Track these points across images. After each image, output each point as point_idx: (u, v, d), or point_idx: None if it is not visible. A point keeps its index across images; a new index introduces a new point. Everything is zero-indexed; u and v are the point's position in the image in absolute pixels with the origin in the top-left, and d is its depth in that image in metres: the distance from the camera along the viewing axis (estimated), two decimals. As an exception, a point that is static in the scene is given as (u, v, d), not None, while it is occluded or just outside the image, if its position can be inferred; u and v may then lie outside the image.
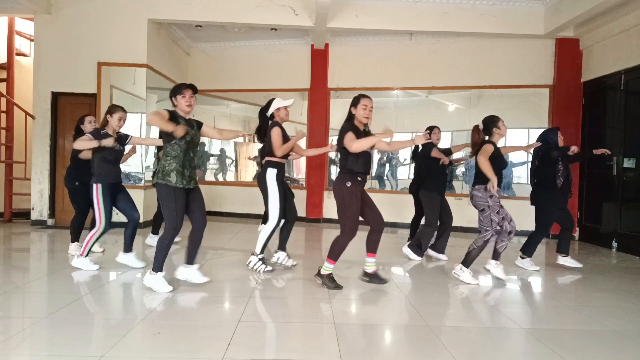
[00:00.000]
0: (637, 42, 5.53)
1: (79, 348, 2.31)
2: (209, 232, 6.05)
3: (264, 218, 6.25)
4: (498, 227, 3.79)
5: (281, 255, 4.26)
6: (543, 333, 2.74)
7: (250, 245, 5.29)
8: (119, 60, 6.37)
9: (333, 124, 7.77)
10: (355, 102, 3.50)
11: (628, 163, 5.63)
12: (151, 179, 3.44)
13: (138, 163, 6.46)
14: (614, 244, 5.81)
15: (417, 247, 4.76)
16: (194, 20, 6.56)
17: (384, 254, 5.11)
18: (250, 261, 4.05)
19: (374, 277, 3.72)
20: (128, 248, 4.07)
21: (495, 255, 3.99)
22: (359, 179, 3.48)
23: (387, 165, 7.90)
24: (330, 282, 3.57)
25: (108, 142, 3.75)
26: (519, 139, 6.78)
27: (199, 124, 3.51)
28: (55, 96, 6.44)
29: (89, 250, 4.01)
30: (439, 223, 4.82)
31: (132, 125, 6.44)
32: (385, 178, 7.86)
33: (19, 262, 4.46)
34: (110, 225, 3.96)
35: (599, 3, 5.27)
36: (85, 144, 3.76)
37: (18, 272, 4.04)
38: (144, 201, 6.39)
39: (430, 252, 4.88)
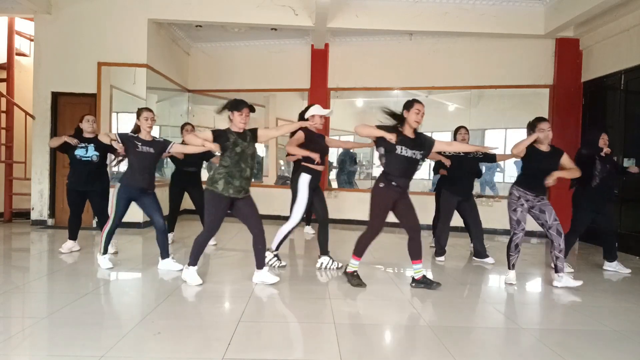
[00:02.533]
0: (637, 42, 5.53)
1: (79, 348, 2.31)
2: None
3: (307, 219, 6.32)
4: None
5: (324, 260, 4.24)
6: (543, 333, 2.74)
7: (250, 246, 5.29)
8: (119, 60, 6.37)
9: (333, 124, 7.77)
10: (408, 106, 3.49)
11: (628, 163, 5.62)
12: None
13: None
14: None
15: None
16: (194, 20, 6.56)
17: (387, 253, 5.11)
18: (265, 257, 4.06)
19: (421, 283, 3.63)
20: (164, 254, 4.05)
21: (556, 269, 3.87)
22: (393, 183, 3.45)
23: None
24: (354, 278, 3.62)
25: (116, 145, 3.86)
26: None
27: (254, 134, 3.56)
28: (55, 96, 6.43)
29: (106, 248, 4.04)
30: (468, 228, 4.81)
31: (132, 125, 6.45)
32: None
33: (19, 262, 4.46)
34: (118, 224, 4.00)
35: (599, 3, 5.26)
36: (104, 138, 3.92)
37: (18, 272, 4.04)
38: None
39: (477, 260, 4.80)
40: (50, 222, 6.47)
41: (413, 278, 3.67)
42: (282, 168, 8.37)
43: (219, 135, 3.40)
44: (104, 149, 4.52)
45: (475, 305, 3.34)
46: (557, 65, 6.79)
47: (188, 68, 8.25)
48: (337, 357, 2.29)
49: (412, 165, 3.48)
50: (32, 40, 7.04)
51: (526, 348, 2.54)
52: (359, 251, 3.65)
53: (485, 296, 3.60)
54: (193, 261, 3.56)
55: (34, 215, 6.47)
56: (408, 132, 3.49)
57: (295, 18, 6.46)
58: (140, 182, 3.91)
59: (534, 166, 3.75)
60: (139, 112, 3.95)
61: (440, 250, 4.76)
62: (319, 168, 4.06)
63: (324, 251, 4.24)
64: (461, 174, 4.69)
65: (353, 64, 7.67)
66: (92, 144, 4.52)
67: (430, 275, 3.88)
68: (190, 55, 8.27)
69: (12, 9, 6.37)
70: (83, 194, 4.56)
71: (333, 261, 4.24)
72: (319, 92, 7.66)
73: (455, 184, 4.70)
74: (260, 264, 3.66)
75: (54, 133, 6.45)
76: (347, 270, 3.70)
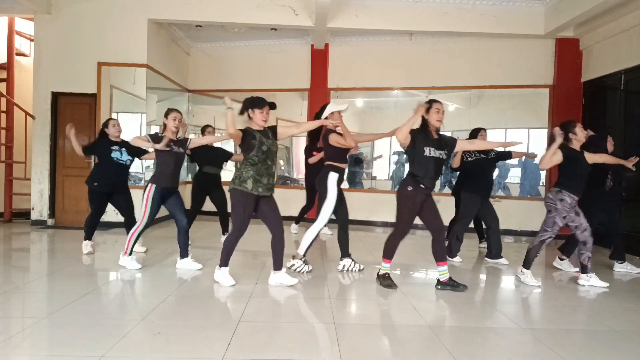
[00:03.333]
0: (637, 42, 5.53)
1: (79, 348, 2.31)
2: (209, 233, 6.08)
3: (298, 218, 6.34)
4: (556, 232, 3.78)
5: (346, 262, 4.18)
6: (543, 333, 2.74)
7: (250, 246, 5.30)
8: (119, 60, 6.37)
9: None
10: (427, 107, 3.46)
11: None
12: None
13: (138, 163, 6.45)
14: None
15: (449, 249, 4.72)
16: (194, 20, 6.56)
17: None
18: (293, 264, 4.05)
19: (447, 285, 3.60)
20: (184, 254, 4.08)
21: (583, 269, 3.90)
22: (421, 186, 3.44)
23: (401, 165, 7.76)
24: (385, 280, 3.61)
25: (161, 145, 3.81)
26: (519, 139, 6.73)
27: (274, 131, 3.56)
28: (55, 96, 6.44)
29: (132, 249, 4.04)
30: (485, 228, 4.80)
31: (132, 125, 6.46)
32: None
33: (19, 262, 4.46)
34: (150, 224, 4.00)
35: (599, 3, 5.27)
36: (139, 142, 3.85)
37: (18, 272, 4.04)
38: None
39: (490, 261, 4.78)
40: (50, 222, 6.47)
41: (438, 280, 3.62)
42: (282, 168, 8.37)
43: (246, 134, 3.38)
44: (135, 153, 4.56)
45: (476, 305, 3.34)
46: (557, 65, 6.79)
47: (188, 68, 8.25)
48: (337, 357, 2.29)
49: (438, 166, 3.49)
50: (32, 40, 7.04)
51: (526, 348, 2.54)
52: (388, 253, 3.64)
53: (486, 296, 3.60)
54: (224, 262, 3.54)
55: (34, 215, 6.47)
56: (432, 133, 3.50)
57: (295, 18, 6.46)
58: (172, 182, 3.98)
59: (584, 169, 3.77)
60: (167, 112, 3.98)
61: (455, 251, 4.74)
62: (344, 165, 4.08)
63: (346, 253, 4.18)
64: (483, 175, 4.68)
65: (353, 64, 7.67)
66: (124, 148, 4.54)
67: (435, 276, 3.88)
68: (190, 55, 8.27)
69: (12, 9, 6.37)
70: (109, 195, 4.57)
71: (355, 263, 4.18)
72: (319, 92, 7.66)
73: (479, 184, 4.68)
74: (278, 265, 3.58)
75: (54, 133, 6.46)
76: (379, 273, 3.68)
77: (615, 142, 5.81)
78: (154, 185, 3.89)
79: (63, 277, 3.71)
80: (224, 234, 5.40)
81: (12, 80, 7.10)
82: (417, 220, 3.62)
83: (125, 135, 4.59)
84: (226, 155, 5.31)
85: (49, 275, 3.83)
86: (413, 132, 3.42)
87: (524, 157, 6.76)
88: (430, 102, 3.49)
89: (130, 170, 4.71)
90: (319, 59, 7.68)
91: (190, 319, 2.83)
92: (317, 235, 4.04)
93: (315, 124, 3.84)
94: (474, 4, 6.36)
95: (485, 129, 4.86)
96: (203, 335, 2.52)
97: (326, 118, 3.97)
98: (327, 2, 5.68)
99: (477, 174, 4.68)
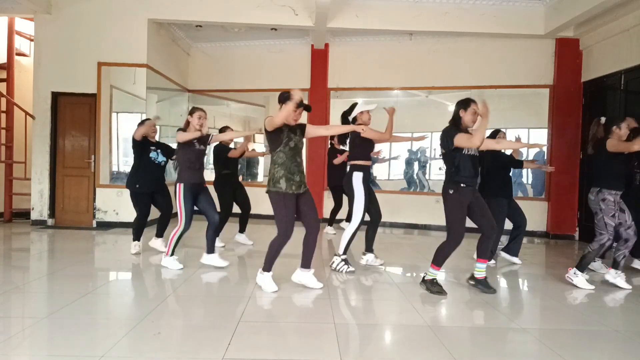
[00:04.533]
0: (637, 42, 5.53)
1: (79, 348, 2.31)
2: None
3: (348, 217, 6.32)
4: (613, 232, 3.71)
5: (369, 257, 4.29)
6: (543, 333, 2.74)
7: (250, 245, 5.30)
8: (119, 60, 6.37)
9: (333, 123, 7.76)
10: (465, 105, 3.39)
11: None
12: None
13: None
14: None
15: (508, 248, 4.70)
16: (194, 20, 6.56)
17: (387, 253, 5.11)
18: (333, 262, 4.09)
19: (480, 283, 3.57)
20: (210, 249, 4.13)
21: (615, 265, 3.86)
22: (462, 185, 3.37)
23: (416, 164, 7.70)
24: (433, 286, 3.51)
25: (194, 135, 3.95)
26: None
27: (302, 129, 3.53)
28: (55, 96, 6.44)
29: (173, 250, 4.07)
30: (513, 226, 4.75)
31: (132, 125, 6.45)
32: (415, 178, 7.63)
33: (19, 262, 4.46)
34: (190, 224, 4.01)
35: (599, 3, 5.26)
36: (188, 136, 3.92)
37: (18, 272, 4.04)
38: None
39: (503, 254, 4.77)
40: (50, 222, 6.47)
41: (472, 276, 3.61)
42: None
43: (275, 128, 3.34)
44: (166, 154, 4.65)
45: (476, 305, 3.33)
46: (557, 65, 6.78)
47: (188, 68, 8.25)
48: (337, 357, 2.29)
49: (476, 164, 3.46)
50: (32, 40, 7.04)
51: (526, 348, 2.54)
52: (438, 262, 3.50)
53: (486, 296, 3.60)
54: (268, 267, 3.44)
55: (34, 215, 6.47)
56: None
57: (295, 18, 6.46)
58: (200, 178, 4.06)
59: (625, 164, 3.71)
60: (192, 110, 4.06)
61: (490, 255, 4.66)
62: (368, 163, 4.10)
63: (369, 248, 4.29)
64: (507, 177, 4.65)
65: (353, 64, 7.67)
66: (159, 149, 4.61)
67: (442, 277, 3.87)
68: (190, 55, 8.27)
69: (12, 9, 6.38)
70: (151, 196, 4.61)
71: (377, 258, 4.30)
72: (319, 92, 7.67)
73: (507, 185, 4.64)
74: (307, 263, 3.51)
75: (54, 133, 6.46)
76: (426, 278, 3.58)
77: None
78: (182, 184, 3.93)
79: (63, 277, 3.71)
80: (240, 232, 5.39)
81: (12, 80, 7.10)
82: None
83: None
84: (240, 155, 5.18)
85: (49, 275, 3.83)
86: (463, 131, 3.33)
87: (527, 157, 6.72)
88: (469, 102, 3.42)
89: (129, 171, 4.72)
90: (319, 59, 7.68)
91: (190, 319, 2.84)
92: (355, 234, 4.09)
93: (345, 129, 3.81)
94: (474, 4, 6.36)
95: (504, 131, 4.80)
96: (203, 335, 2.53)
97: (355, 117, 4.03)
98: (327, 2, 5.68)
99: (504, 176, 4.57)
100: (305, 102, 7.71)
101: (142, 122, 4.55)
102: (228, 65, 8.14)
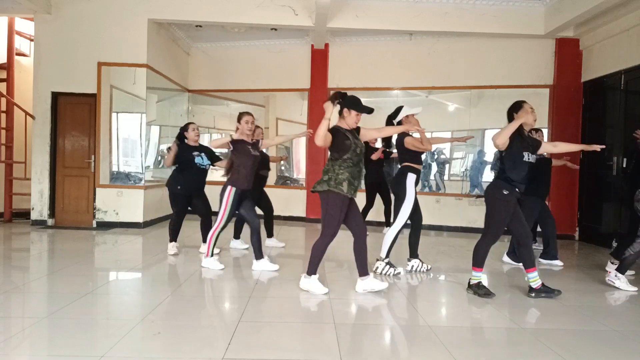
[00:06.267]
0: (637, 42, 5.53)
1: (79, 348, 2.31)
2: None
3: (387, 221, 6.32)
4: None
5: (414, 262, 4.24)
6: (543, 333, 2.74)
7: (248, 246, 5.29)
8: (119, 60, 6.37)
9: (333, 124, 7.74)
10: (518, 107, 3.36)
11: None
12: (316, 186, 3.34)
13: (138, 163, 6.46)
14: (614, 244, 5.80)
15: (514, 254, 4.66)
16: (194, 20, 6.56)
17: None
18: (377, 267, 4.05)
19: (541, 292, 3.47)
20: (259, 255, 4.10)
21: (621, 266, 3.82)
22: (517, 190, 3.34)
23: (434, 164, 7.61)
24: (480, 289, 3.47)
25: (225, 140, 3.97)
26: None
27: (358, 132, 3.51)
28: (55, 96, 6.43)
29: (212, 250, 4.09)
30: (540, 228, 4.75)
31: (132, 125, 6.46)
32: (432, 179, 7.56)
33: (19, 262, 4.46)
34: (227, 224, 4.03)
35: (599, 3, 5.26)
36: (219, 142, 4.01)
37: (18, 272, 4.04)
38: (144, 201, 6.41)
39: (543, 262, 4.72)
40: (50, 222, 6.47)
41: (531, 287, 3.48)
42: (282, 168, 8.37)
43: (337, 133, 3.35)
44: (211, 159, 4.65)
45: (476, 305, 3.33)
46: (557, 65, 6.78)
47: (188, 68, 8.25)
48: (337, 357, 2.29)
49: (530, 171, 3.42)
50: (32, 40, 7.04)
51: (526, 348, 2.54)
52: (478, 262, 3.45)
53: (485, 296, 3.60)
54: (313, 269, 3.38)
55: (34, 215, 6.47)
56: (526, 134, 3.38)
57: (295, 18, 6.46)
58: (248, 184, 4.02)
59: None
60: (240, 116, 4.04)
61: (517, 258, 4.63)
62: (420, 167, 4.11)
63: (414, 254, 4.25)
64: (542, 176, 4.59)
65: (353, 64, 7.66)
66: (203, 153, 4.60)
67: (442, 278, 3.88)
68: (190, 55, 8.27)
69: (12, 9, 6.37)
70: (190, 198, 4.62)
71: (423, 264, 4.24)
72: (319, 92, 7.66)
73: (542, 186, 4.62)
74: (364, 270, 3.41)
75: (54, 133, 6.46)
76: (471, 282, 3.53)
77: (615, 142, 5.85)
78: (233, 188, 3.93)
79: (63, 277, 3.71)
80: (269, 237, 5.29)
81: (12, 80, 7.10)
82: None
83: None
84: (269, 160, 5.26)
85: (49, 275, 3.83)
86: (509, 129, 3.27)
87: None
88: (521, 103, 3.37)
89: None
90: (319, 59, 7.68)
91: (190, 319, 2.83)
92: (397, 236, 4.06)
93: (396, 130, 3.80)
94: (474, 4, 6.36)
95: (541, 130, 4.75)
96: (203, 335, 2.53)
97: (400, 121, 4.04)
98: (327, 2, 5.68)
99: (536, 176, 4.37)
100: (305, 102, 7.78)
101: (185, 127, 4.61)
102: (228, 65, 8.14)
